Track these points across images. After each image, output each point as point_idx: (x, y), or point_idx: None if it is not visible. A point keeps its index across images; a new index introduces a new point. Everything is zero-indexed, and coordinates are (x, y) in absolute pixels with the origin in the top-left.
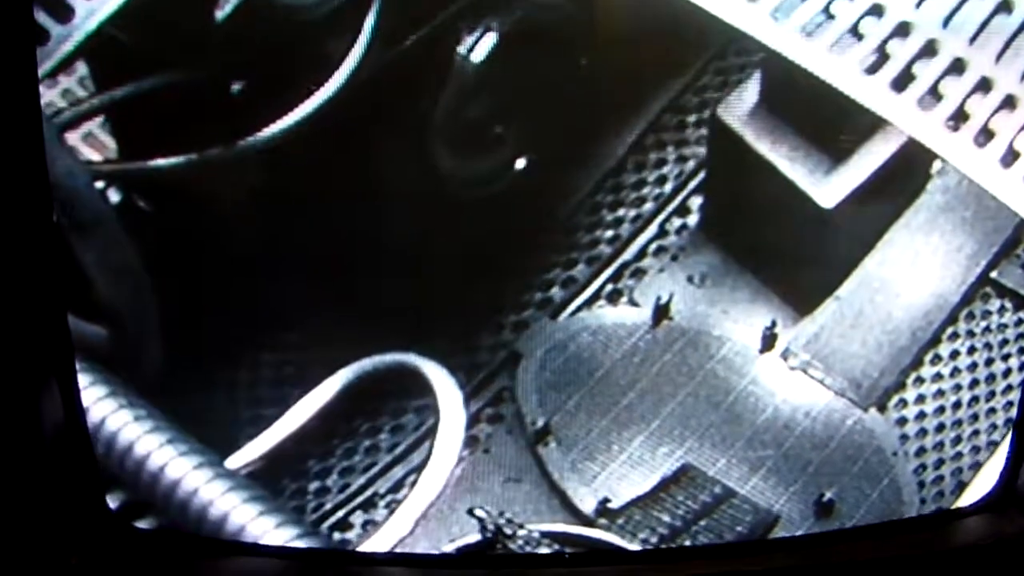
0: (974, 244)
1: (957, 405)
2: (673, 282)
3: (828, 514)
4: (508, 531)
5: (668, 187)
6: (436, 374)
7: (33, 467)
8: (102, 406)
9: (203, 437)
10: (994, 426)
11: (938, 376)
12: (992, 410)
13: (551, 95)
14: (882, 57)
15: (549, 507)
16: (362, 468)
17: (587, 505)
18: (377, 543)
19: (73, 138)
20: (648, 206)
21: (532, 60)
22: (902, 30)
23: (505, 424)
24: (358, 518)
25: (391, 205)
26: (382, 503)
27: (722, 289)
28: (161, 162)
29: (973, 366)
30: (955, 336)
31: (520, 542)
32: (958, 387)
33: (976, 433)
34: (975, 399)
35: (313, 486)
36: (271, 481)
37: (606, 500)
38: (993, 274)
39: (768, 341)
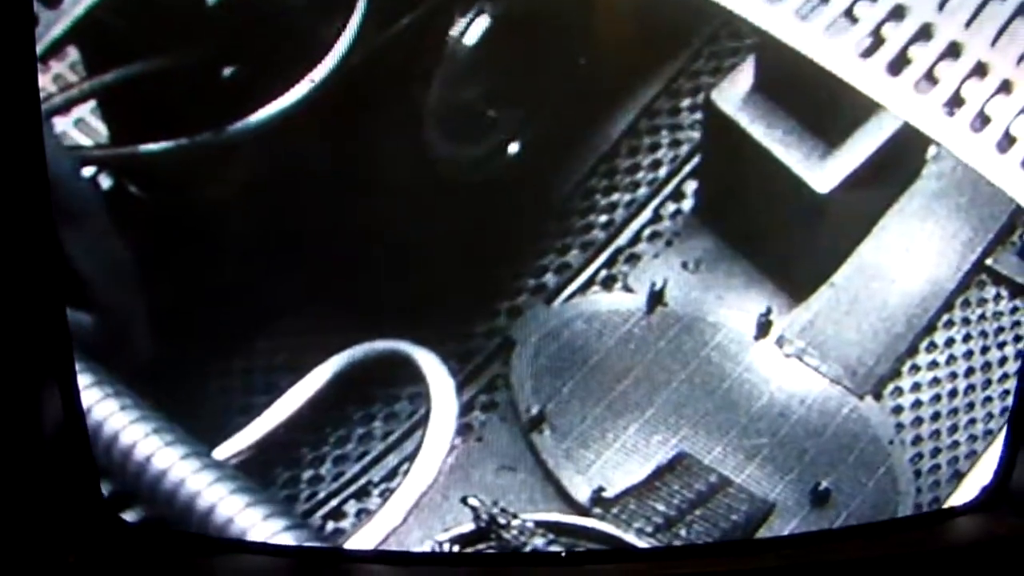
0: (969, 231)
1: (953, 393)
2: (668, 267)
3: (824, 503)
4: (502, 521)
5: (662, 171)
6: (428, 362)
7: (30, 464)
8: (87, 395)
9: (195, 425)
10: (990, 415)
11: (934, 364)
12: (988, 399)
13: (545, 78)
14: (877, 40)
15: (543, 495)
16: (356, 456)
17: (581, 494)
18: (369, 533)
19: (64, 123)
20: (642, 191)
21: (525, 43)
22: (897, 13)
23: (499, 411)
24: (352, 507)
25: (383, 190)
26: (376, 492)
27: (717, 275)
28: (152, 147)
29: (969, 354)
30: (950, 324)
31: (514, 532)
32: (953, 375)
33: (972, 422)
34: (971, 387)
35: (307, 474)
36: (264, 470)
37: (601, 489)
38: (988, 261)
39: (763, 328)
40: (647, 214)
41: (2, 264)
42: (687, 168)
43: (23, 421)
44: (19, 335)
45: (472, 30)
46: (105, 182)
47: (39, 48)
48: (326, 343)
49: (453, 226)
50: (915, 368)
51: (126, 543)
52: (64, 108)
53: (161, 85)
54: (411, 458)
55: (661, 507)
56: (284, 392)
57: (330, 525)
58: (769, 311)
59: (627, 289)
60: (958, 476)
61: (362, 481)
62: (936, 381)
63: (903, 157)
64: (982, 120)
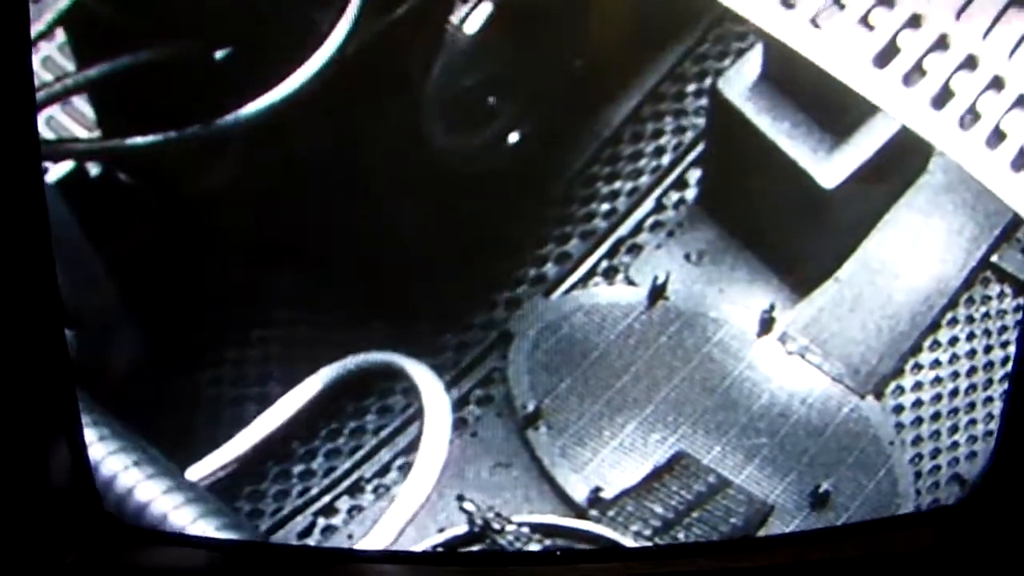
0: (975, 227)
1: (954, 393)
2: (670, 259)
3: (823, 505)
4: (497, 525)
5: (666, 159)
6: (423, 376)
7: (27, 465)
8: None
9: (185, 417)
10: (991, 415)
11: (936, 363)
12: (989, 399)
13: (546, 65)
14: (891, 50)
15: (539, 494)
16: (348, 451)
17: (578, 493)
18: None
19: (50, 108)
20: (645, 179)
21: (526, 29)
22: (913, 22)
23: (494, 406)
24: (344, 503)
25: (380, 179)
26: (369, 487)
27: (720, 267)
28: (139, 140)
29: (972, 353)
30: (954, 322)
31: (510, 537)
32: (956, 374)
33: (973, 422)
34: (972, 387)
35: (297, 469)
36: (253, 463)
37: (598, 489)
38: (993, 258)
39: (766, 324)
40: (650, 203)
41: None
42: (691, 156)
43: (20, 422)
44: (15, 339)
45: (473, 17)
46: (93, 169)
47: None
48: (321, 333)
49: (451, 214)
50: (918, 367)
51: (124, 544)
52: (46, 104)
53: (150, 75)
54: (405, 453)
55: (659, 509)
56: (276, 381)
57: (321, 521)
58: (772, 307)
59: (628, 281)
60: (957, 478)
61: (354, 477)
62: (938, 380)
63: (910, 151)
64: (998, 136)
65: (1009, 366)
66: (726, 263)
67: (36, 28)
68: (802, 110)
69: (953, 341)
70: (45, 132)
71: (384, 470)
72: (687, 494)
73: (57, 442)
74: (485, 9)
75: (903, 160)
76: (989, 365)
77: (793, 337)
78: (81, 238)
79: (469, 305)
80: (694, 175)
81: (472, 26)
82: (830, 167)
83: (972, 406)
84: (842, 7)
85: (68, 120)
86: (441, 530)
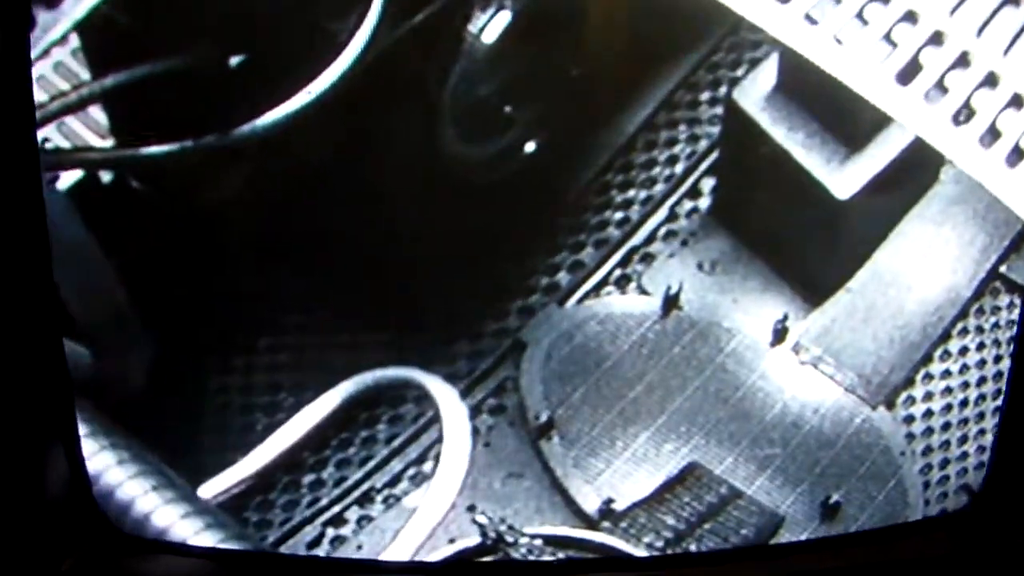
0: (985, 237)
1: (964, 403)
2: (683, 268)
3: (834, 517)
4: (509, 539)
5: (679, 168)
6: (443, 393)
7: (22, 472)
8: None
9: (192, 427)
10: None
11: (947, 373)
12: (999, 409)
13: (562, 74)
14: (915, 67)
15: (551, 505)
16: (359, 461)
17: (590, 504)
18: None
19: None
20: (658, 187)
21: (544, 38)
22: (936, 39)
23: (507, 416)
24: (354, 513)
25: (394, 187)
26: (379, 498)
27: (733, 277)
28: (154, 150)
29: (982, 363)
30: (965, 332)
31: (523, 550)
32: (966, 385)
33: (982, 432)
34: (982, 397)
35: (308, 479)
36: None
37: (610, 500)
38: (1002, 268)
39: (779, 334)
40: (663, 212)
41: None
42: (704, 165)
43: (15, 428)
44: (11, 344)
45: (492, 26)
46: (105, 176)
47: (35, 53)
48: (331, 341)
49: (464, 222)
50: (928, 377)
51: (120, 552)
52: (59, 115)
53: (166, 84)
54: (416, 463)
55: (671, 520)
56: (285, 390)
57: (330, 532)
58: (786, 317)
59: (641, 290)
60: (966, 488)
61: (365, 487)
62: (948, 391)
63: (923, 161)
64: (1017, 154)
65: None
66: (739, 273)
67: (52, 36)
68: (816, 120)
69: (963, 351)
70: (57, 139)
71: (395, 480)
72: (699, 505)
73: (53, 447)
74: (503, 18)
75: (915, 171)
76: (999, 375)
77: (806, 347)
78: (92, 247)
79: (481, 313)
80: (708, 184)
81: (490, 35)
82: (844, 178)
83: (982, 416)
84: (865, 23)
85: (81, 127)
86: (452, 541)
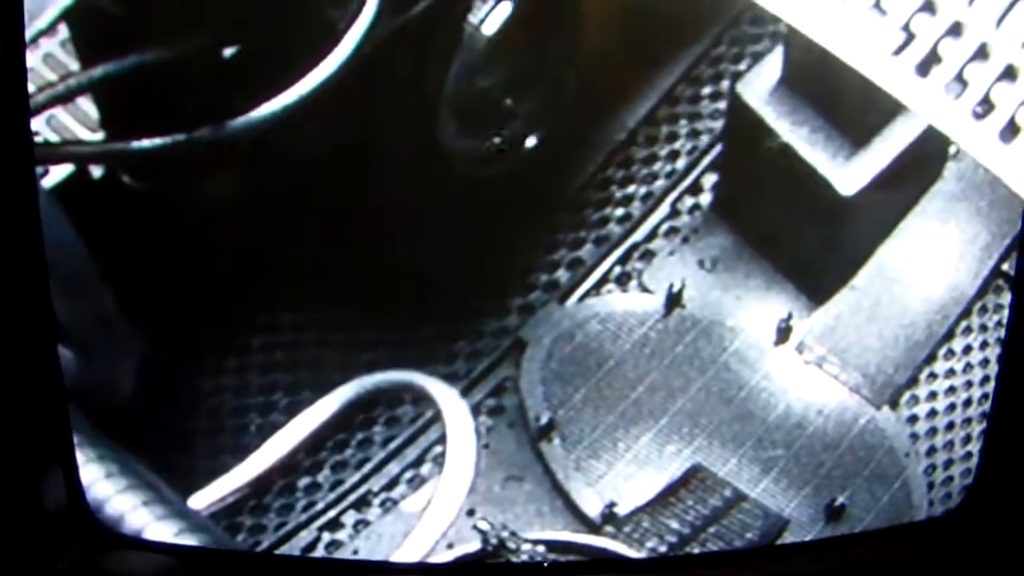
0: (988, 235)
1: (968, 402)
2: (684, 266)
3: (839, 519)
4: (512, 545)
5: (680, 163)
6: (446, 397)
7: (15, 472)
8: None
9: (185, 430)
10: None
11: (951, 372)
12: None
13: (563, 67)
14: (934, 58)
15: (552, 508)
16: (355, 463)
17: (592, 508)
18: None
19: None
20: (659, 183)
21: (544, 31)
22: (955, 30)
23: (506, 417)
24: (350, 518)
25: (395, 182)
26: (376, 501)
27: (735, 274)
28: (145, 143)
29: (985, 362)
30: (968, 331)
31: (524, 557)
32: (969, 383)
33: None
34: (985, 396)
35: (303, 482)
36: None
37: (612, 504)
38: (1005, 266)
39: (783, 333)
40: (664, 208)
41: None
42: (706, 160)
43: (8, 432)
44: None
45: (492, 18)
46: (96, 171)
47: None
48: (327, 340)
49: (463, 216)
50: (932, 376)
51: (113, 552)
52: (46, 107)
53: (157, 75)
54: (414, 466)
55: (675, 524)
56: (281, 390)
57: (326, 536)
58: (790, 316)
59: (642, 287)
60: (969, 489)
61: (362, 490)
62: (952, 390)
63: (927, 157)
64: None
65: None
66: (741, 270)
67: (39, 24)
68: (821, 115)
69: (967, 350)
70: (46, 133)
71: (392, 483)
72: (703, 509)
73: (46, 451)
74: (504, 10)
75: (920, 167)
76: None
77: (810, 346)
78: (78, 247)
79: (481, 311)
80: (709, 180)
81: (491, 27)
82: (849, 174)
83: (985, 416)
84: (884, 12)
85: (70, 120)
86: (451, 546)
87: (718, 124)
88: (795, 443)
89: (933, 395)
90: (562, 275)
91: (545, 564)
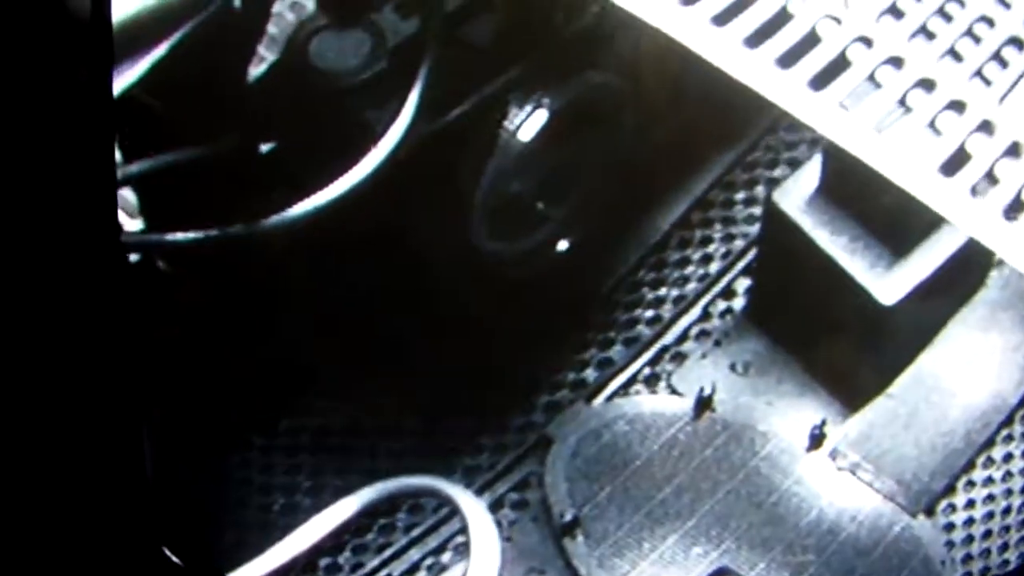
0: None
1: (1007, 511)
2: (715, 369)
3: None
4: None
5: (713, 267)
6: (470, 506)
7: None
8: None
9: (209, 503)
10: None
11: (989, 480)
12: None
13: (597, 171)
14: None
15: None
16: (376, 547)
17: None
18: None
19: None
20: (692, 286)
21: (579, 137)
22: (985, 127)
23: (530, 511)
24: None
25: (428, 281)
26: None
27: (768, 379)
28: (179, 236)
29: None
30: (1010, 439)
31: None
32: (1009, 492)
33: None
34: None
35: (324, 562)
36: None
37: None
38: None
39: (816, 439)
40: (696, 312)
41: None
42: (740, 264)
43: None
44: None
45: (529, 125)
46: (132, 256)
47: None
48: (354, 426)
49: (494, 315)
50: (970, 484)
51: None
52: None
53: (193, 170)
54: (434, 553)
55: None
56: (304, 473)
57: None
58: (824, 422)
59: (672, 389)
60: None
61: (382, 574)
62: (991, 498)
63: (969, 266)
64: None
65: None
66: (774, 375)
67: None
68: (861, 224)
69: (1007, 458)
70: None
71: (413, 569)
72: None
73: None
74: (541, 117)
75: (962, 275)
76: None
77: (844, 453)
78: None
79: (507, 407)
80: (742, 284)
81: (527, 133)
82: (889, 283)
83: (1023, 524)
84: (909, 111)
85: None
86: None
87: (752, 229)
88: (827, 549)
89: (971, 503)
90: (590, 374)
91: None
